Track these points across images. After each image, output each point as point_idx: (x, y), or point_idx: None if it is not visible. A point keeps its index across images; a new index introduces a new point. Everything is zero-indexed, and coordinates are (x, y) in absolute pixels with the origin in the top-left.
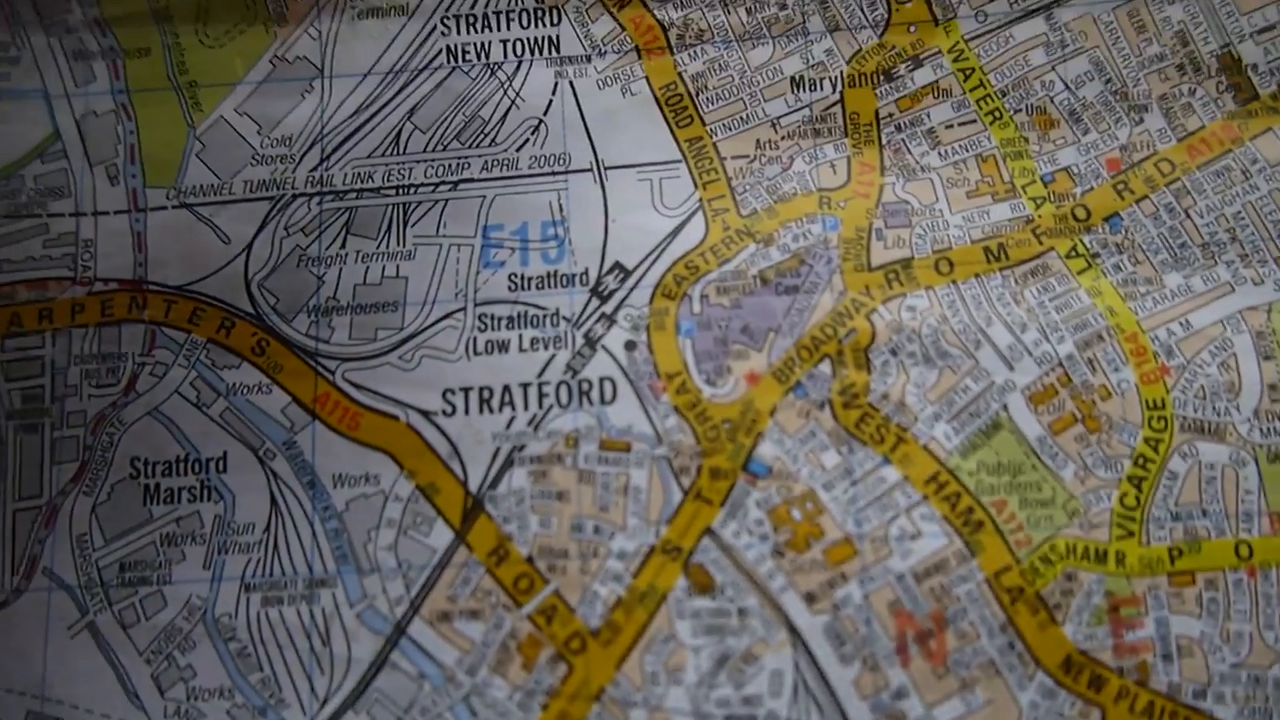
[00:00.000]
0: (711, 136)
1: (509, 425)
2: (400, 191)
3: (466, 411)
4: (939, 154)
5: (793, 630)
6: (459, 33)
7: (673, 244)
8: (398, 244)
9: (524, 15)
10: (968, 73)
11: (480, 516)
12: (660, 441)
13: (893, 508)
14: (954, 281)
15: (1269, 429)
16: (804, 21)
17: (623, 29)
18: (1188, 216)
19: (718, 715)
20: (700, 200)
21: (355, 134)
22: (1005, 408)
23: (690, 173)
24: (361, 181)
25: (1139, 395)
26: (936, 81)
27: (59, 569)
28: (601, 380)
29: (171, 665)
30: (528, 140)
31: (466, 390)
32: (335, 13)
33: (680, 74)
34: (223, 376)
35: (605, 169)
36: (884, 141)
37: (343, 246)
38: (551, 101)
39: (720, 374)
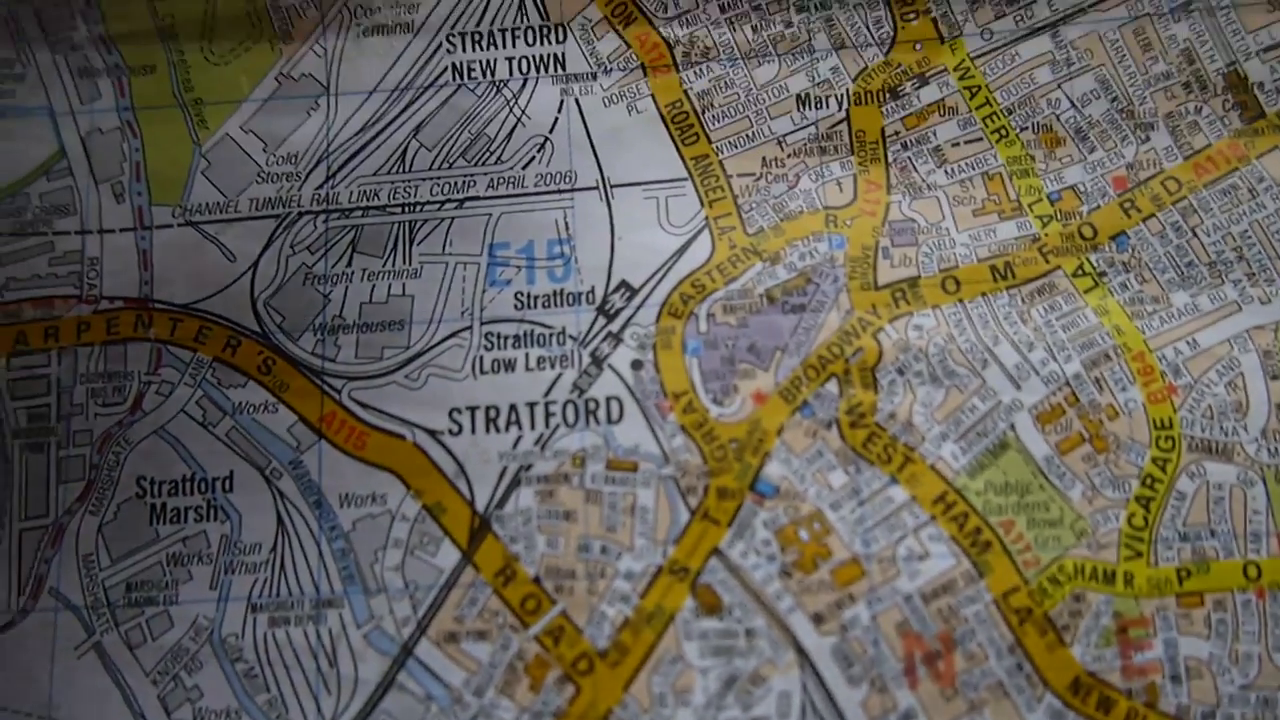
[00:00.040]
0: (718, 154)
1: (516, 445)
2: (406, 209)
3: (473, 431)
4: (945, 172)
5: (800, 651)
6: (464, 50)
7: (679, 262)
8: (404, 262)
9: (529, 33)
10: (974, 90)
11: (487, 536)
12: (667, 461)
13: (900, 528)
14: (961, 300)
15: (1277, 449)
16: (810, 39)
17: (628, 46)
18: (1194, 235)
19: None
20: (706, 218)
21: (361, 151)
22: (1012, 427)
23: (696, 191)
24: (367, 199)
25: (1146, 415)
26: (942, 99)
27: (65, 589)
28: (608, 399)
29: (178, 686)
30: (533, 158)
31: (473, 409)
32: (341, 30)
33: (686, 91)
34: (229, 395)
35: (611, 187)
36: (890, 159)
37: (349, 265)
38: (557, 119)
39: (727, 393)
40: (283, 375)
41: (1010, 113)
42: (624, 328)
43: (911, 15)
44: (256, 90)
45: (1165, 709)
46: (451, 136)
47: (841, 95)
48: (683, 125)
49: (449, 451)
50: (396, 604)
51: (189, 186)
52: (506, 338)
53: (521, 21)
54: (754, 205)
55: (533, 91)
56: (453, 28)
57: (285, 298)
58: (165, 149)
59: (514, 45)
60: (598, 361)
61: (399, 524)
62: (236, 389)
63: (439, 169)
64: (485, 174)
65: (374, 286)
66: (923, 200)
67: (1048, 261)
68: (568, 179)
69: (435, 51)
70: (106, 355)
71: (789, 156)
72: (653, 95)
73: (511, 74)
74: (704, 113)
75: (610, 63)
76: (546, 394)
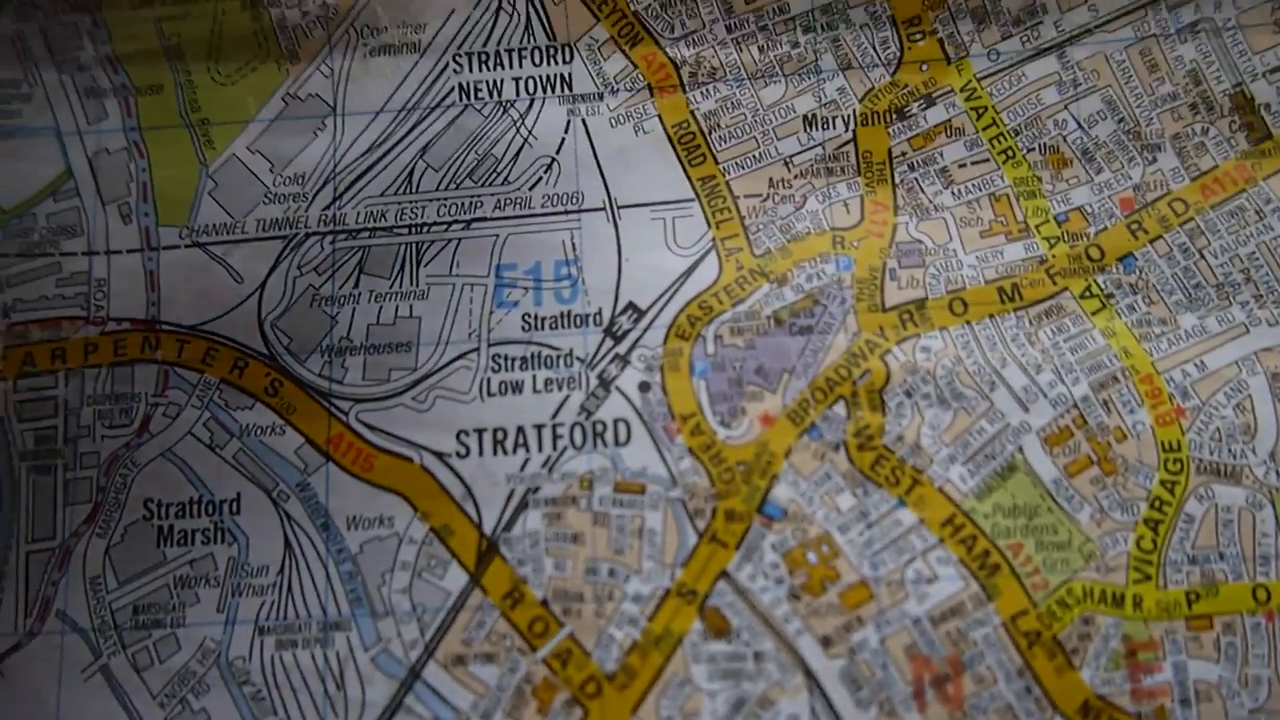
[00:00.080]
0: (724, 175)
1: (523, 467)
2: (413, 230)
3: (480, 453)
4: (952, 193)
5: (809, 674)
6: (471, 70)
7: (686, 284)
8: (411, 283)
9: (536, 53)
10: (980, 111)
11: (495, 559)
12: (675, 483)
13: (909, 550)
14: (968, 322)
15: None
16: (816, 60)
17: (635, 67)
18: (1202, 257)
19: None
20: (713, 240)
21: (368, 172)
22: (1020, 450)
23: (703, 212)
24: (374, 220)
25: (1155, 437)
26: (949, 120)
27: (72, 611)
28: (616, 422)
29: (185, 709)
30: (540, 179)
31: (480, 431)
32: (347, 50)
33: (693, 112)
34: (236, 417)
35: (618, 208)
36: (897, 180)
37: (356, 286)
38: (564, 140)
39: (735, 415)
40: (290, 397)
41: (1017, 134)
42: (631, 349)
43: (918, 36)
44: (263, 110)
45: None
46: (458, 157)
47: (848, 116)
48: (689, 146)
49: (456, 474)
50: (404, 626)
51: (196, 207)
52: (514, 359)
53: (528, 42)
54: (761, 226)
55: (539, 112)
56: (459, 48)
57: (292, 319)
58: (172, 169)
59: (521, 65)
60: (605, 384)
61: (406, 546)
62: (244, 411)
63: (446, 190)
64: (492, 195)
65: (381, 308)
66: (930, 221)
67: (1055, 283)
68: (575, 200)
69: (442, 72)
70: (114, 377)
71: (796, 177)
72: (659, 116)
73: (518, 94)
74: (711, 133)
75: (617, 83)
76: (554, 416)
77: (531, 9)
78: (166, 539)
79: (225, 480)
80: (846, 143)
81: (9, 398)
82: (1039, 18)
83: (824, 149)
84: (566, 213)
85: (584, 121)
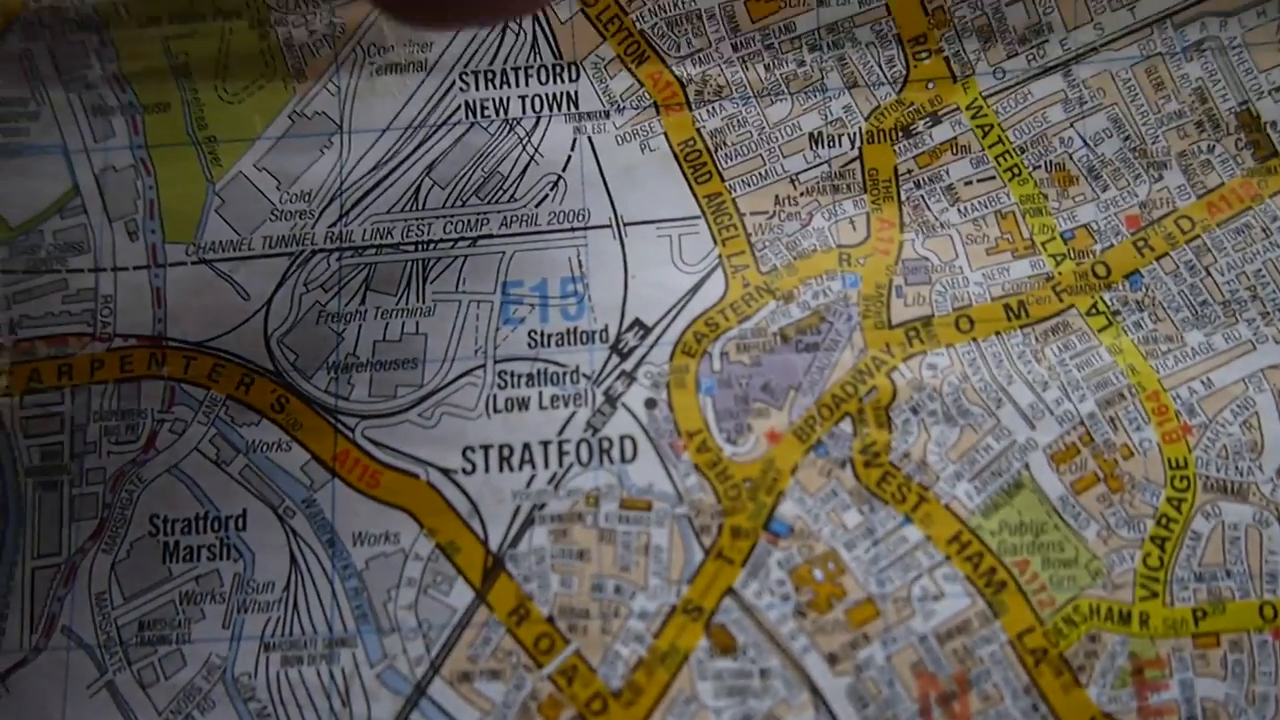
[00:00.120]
0: (730, 192)
1: (529, 483)
2: (419, 247)
3: (487, 470)
4: (958, 210)
5: (815, 692)
6: (477, 88)
7: (692, 301)
8: (417, 300)
9: (543, 71)
10: (986, 129)
11: (501, 576)
12: (681, 500)
13: (915, 568)
14: (974, 339)
15: None
16: (822, 78)
17: (641, 85)
18: (1208, 274)
19: None
20: (720, 257)
21: (374, 189)
22: (1027, 466)
23: (709, 229)
24: (381, 237)
25: (1161, 454)
26: (955, 138)
27: (78, 627)
28: (622, 438)
29: None
30: (547, 196)
31: (486, 448)
32: (354, 68)
33: (699, 130)
34: (242, 434)
35: (624, 225)
36: (903, 198)
37: (362, 303)
38: (570, 157)
39: (741, 432)
40: (296, 413)
41: (1023, 151)
42: (637, 366)
43: (924, 54)
44: (270, 128)
45: None
46: (464, 174)
47: (854, 134)
48: (695, 163)
49: (462, 490)
50: (410, 643)
51: (202, 224)
52: (520, 376)
53: (534, 60)
54: (767, 243)
55: (545, 130)
56: (466, 66)
57: (299, 336)
58: (179, 187)
59: (527, 84)
60: (611, 400)
61: (412, 563)
62: (250, 427)
63: (452, 207)
64: (498, 212)
65: (387, 325)
66: (936, 238)
67: (1061, 300)
68: (581, 217)
69: (448, 90)
70: (120, 393)
71: (802, 195)
72: (665, 134)
73: (524, 112)
74: (717, 151)
75: (623, 101)
76: (560, 433)
77: (538, 27)
78: (172, 555)
79: (231, 496)
80: (852, 160)
81: (15, 414)
82: (1045, 36)
83: (830, 166)
84: (573, 230)
85: (590, 139)
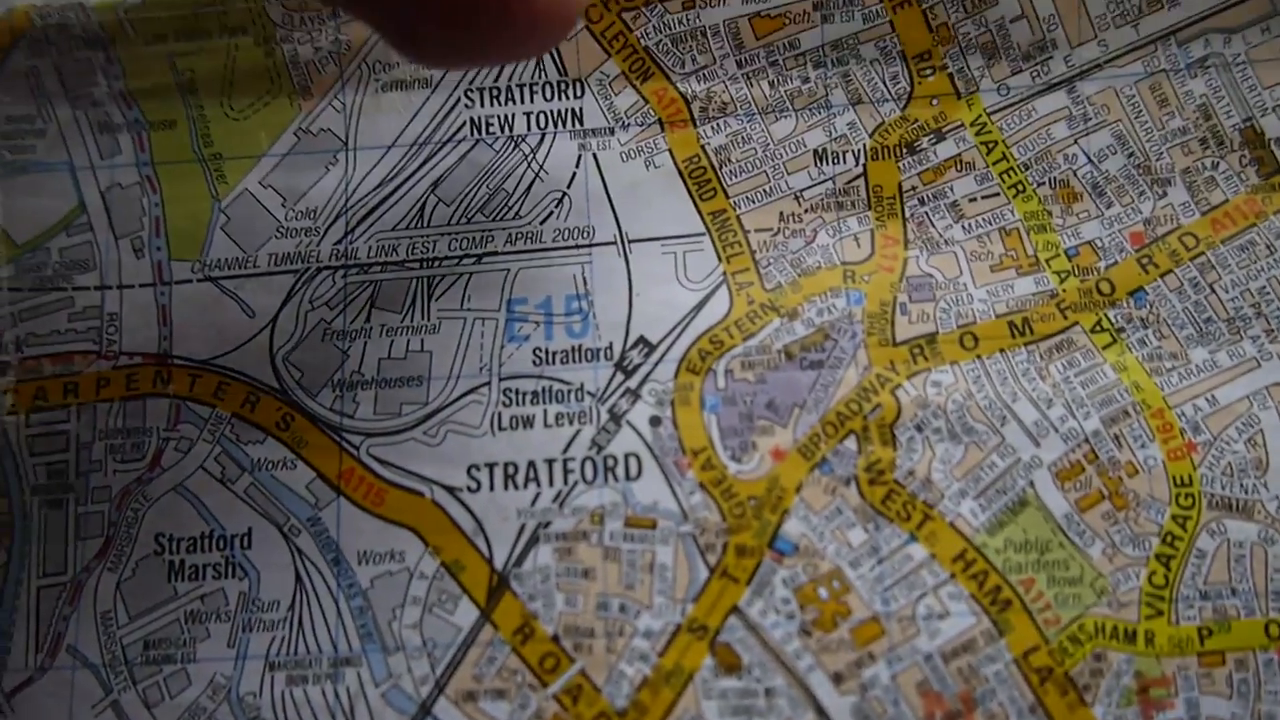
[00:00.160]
0: (735, 209)
1: (534, 502)
2: (424, 265)
3: (491, 488)
4: (962, 227)
5: (820, 711)
6: (482, 105)
7: (697, 318)
8: (422, 318)
9: (547, 88)
10: (990, 146)
11: (505, 594)
12: (686, 518)
13: (920, 586)
14: (979, 356)
15: None
16: (827, 95)
17: (646, 102)
18: (1212, 291)
19: None
20: (724, 274)
21: (380, 207)
22: (1032, 484)
23: (714, 246)
24: (386, 255)
25: (1166, 472)
26: (959, 155)
27: (83, 647)
28: (626, 456)
29: None
30: (551, 213)
31: (491, 466)
32: (359, 85)
33: (703, 147)
34: (247, 452)
35: (629, 242)
36: (907, 214)
37: (367, 320)
38: (575, 174)
39: (746, 450)
40: (301, 431)
41: (1027, 168)
42: (642, 384)
43: (928, 71)
44: (275, 145)
45: None
46: (469, 192)
47: (858, 150)
48: (700, 180)
49: (467, 508)
50: (415, 662)
51: (208, 241)
52: (525, 394)
53: (540, 77)
54: (771, 261)
55: (550, 147)
56: (471, 83)
57: (304, 353)
58: (184, 204)
59: (532, 100)
60: (616, 418)
61: (417, 581)
62: (255, 445)
63: (457, 224)
64: (503, 229)
65: (393, 342)
66: (940, 255)
67: (1066, 318)
68: (586, 234)
69: (453, 107)
70: (125, 411)
71: (806, 212)
72: (670, 150)
73: (529, 129)
74: (721, 168)
75: (628, 118)
76: (565, 451)
77: None
78: (178, 574)
79: (236, 515)
80: (857, 177)
81: (21, 432)
82: (1049, 53)
83: (834, 183)
84: (577, 247)
85: (595, 156)
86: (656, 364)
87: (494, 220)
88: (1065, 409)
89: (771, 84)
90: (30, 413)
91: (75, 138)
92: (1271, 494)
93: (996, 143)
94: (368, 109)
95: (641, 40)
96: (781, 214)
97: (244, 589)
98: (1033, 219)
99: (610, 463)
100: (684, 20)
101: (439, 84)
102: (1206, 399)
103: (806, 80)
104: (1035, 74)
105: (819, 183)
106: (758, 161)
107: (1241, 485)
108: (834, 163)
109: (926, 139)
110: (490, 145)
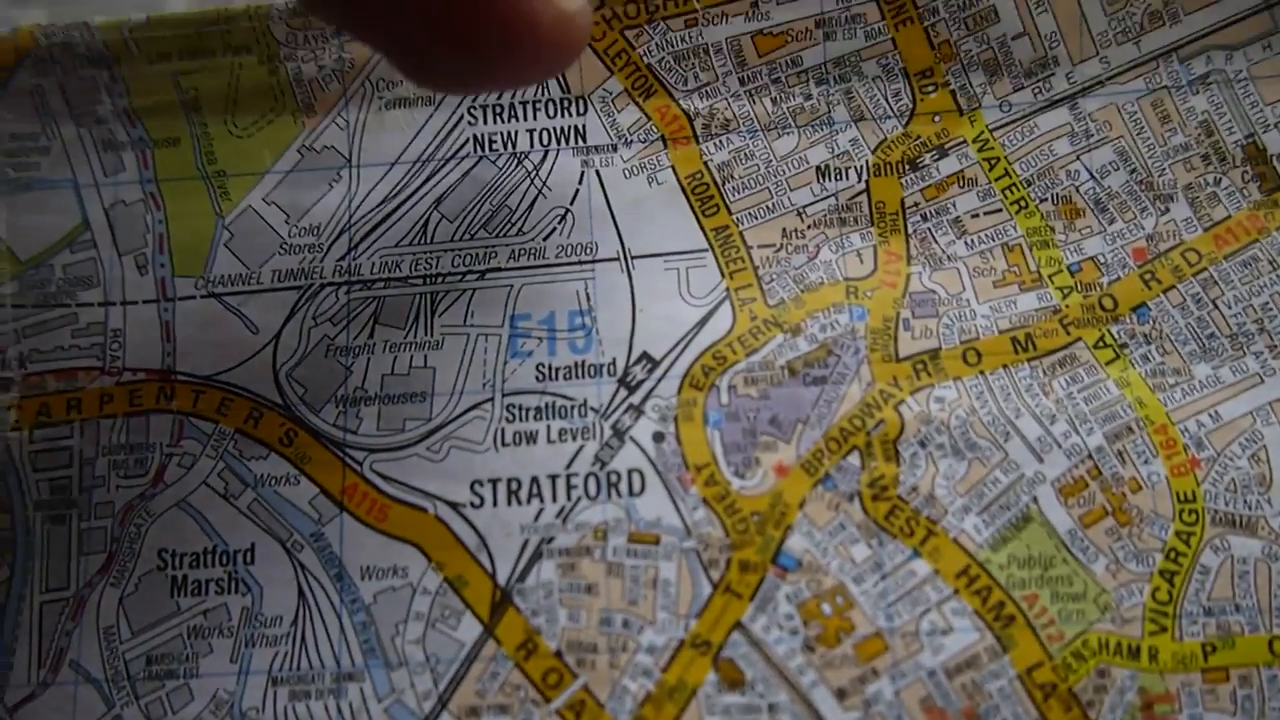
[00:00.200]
0: (738, 225)
1: (537, 517)
2: (428, 281)
3: (495, 503)
4: (965, 243)
5: None
6: (486, 122)
7: (700, 334)
8: (425, 334)
9: (550, 105)
10: (993, 162)
11: (509, 610)
12: (689, 534)
13: (923, 602)
14: (982, 372)
15: None
16: (829, 111)
17: (649, 119)
18: (1215, 307)
19: None
20: (727, 290)
21: (383, 223)
22: (1035, 500)
23: (717, 262)
24: (389, 271)
25: (1169, 488)
26: (962, 171)
27: (86, 662)
28: (630, 472)
29: None
30: (555, 229)
31: (494, 481)
32: (363, 103)
33: (706, 163)
34: (250, 467)
35: (632, 258)
36: (910, 230)
37: (371, 336)
38: (578, 190)
39: (749, 466)
40: (304, 447)
41: (1029, 184)
42: (645, 400)
43: (930, 88)
44: (279, 162)
45: None
46: (473, 208)
47: (861, 167)
48: (703, 196)
49: (470, 524)
50: (418, 677)
51: (211, 258)
52: (528, 410)
53: (542, 94)
54: (774, 276)
55: (554, 163)
56: (474, 100)
57: (307, 369)
58: (188, 221)
59: (535, 117)
60: (619, 434)
61: (420, 597)
62: (258, 461)
63: (460, 240)
64: (506, 245)
65: (396, 358)
66: (943, 271)
67: (1069, 333)
68: (589, 250)
69: (457, 124)
70: (129, 427)
71: (809, 228)
72: (673, 167)
73: (533, 146)
74: (724, 184)
75: (631, 135)
76: (568, 466)
77: None
78: (180, 589)
79: (239, 530)
80: (859, 193)
81: (24, 448)
82: (1050, 70)
83: (837, 199)
84: (580, 263)
85: (598, 173)
86: (660, 380)
87: (497, 236)
88: (1068, 425)
89: (774, 101)
90: (34, 428)
91: (79, 155)
92: (1275, 510)
93: (999, 159)
94: (371, 126)
95: (644, 58)
96: (784, 230)
97: (247, 604)
98: (1035, 235)
99: (613, 478)
100: (686, 38)
101: (442, 101)
102: (1210, 415)
103: (809, 97)
104: (1037, 90)
105: (822, 199)
106: (760, 178)
107: (1245, 501)
108: (837, 179)
109: (929, 155)
110: (493, 162)
